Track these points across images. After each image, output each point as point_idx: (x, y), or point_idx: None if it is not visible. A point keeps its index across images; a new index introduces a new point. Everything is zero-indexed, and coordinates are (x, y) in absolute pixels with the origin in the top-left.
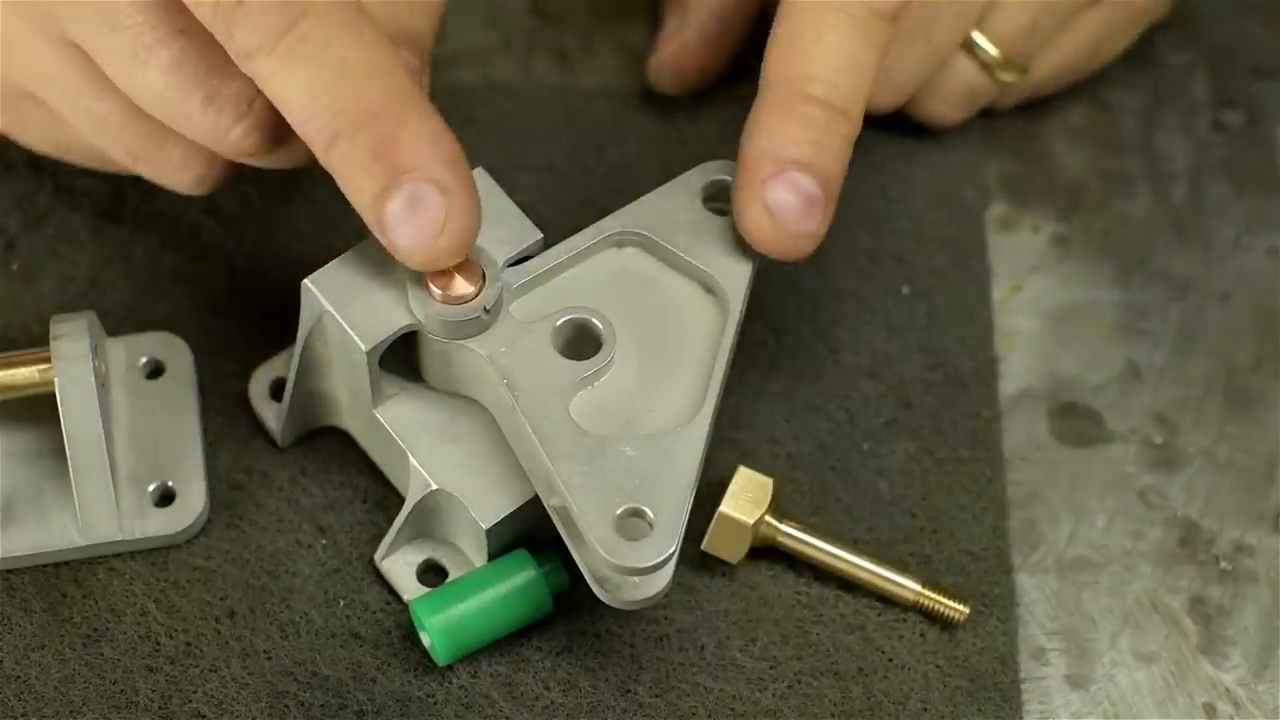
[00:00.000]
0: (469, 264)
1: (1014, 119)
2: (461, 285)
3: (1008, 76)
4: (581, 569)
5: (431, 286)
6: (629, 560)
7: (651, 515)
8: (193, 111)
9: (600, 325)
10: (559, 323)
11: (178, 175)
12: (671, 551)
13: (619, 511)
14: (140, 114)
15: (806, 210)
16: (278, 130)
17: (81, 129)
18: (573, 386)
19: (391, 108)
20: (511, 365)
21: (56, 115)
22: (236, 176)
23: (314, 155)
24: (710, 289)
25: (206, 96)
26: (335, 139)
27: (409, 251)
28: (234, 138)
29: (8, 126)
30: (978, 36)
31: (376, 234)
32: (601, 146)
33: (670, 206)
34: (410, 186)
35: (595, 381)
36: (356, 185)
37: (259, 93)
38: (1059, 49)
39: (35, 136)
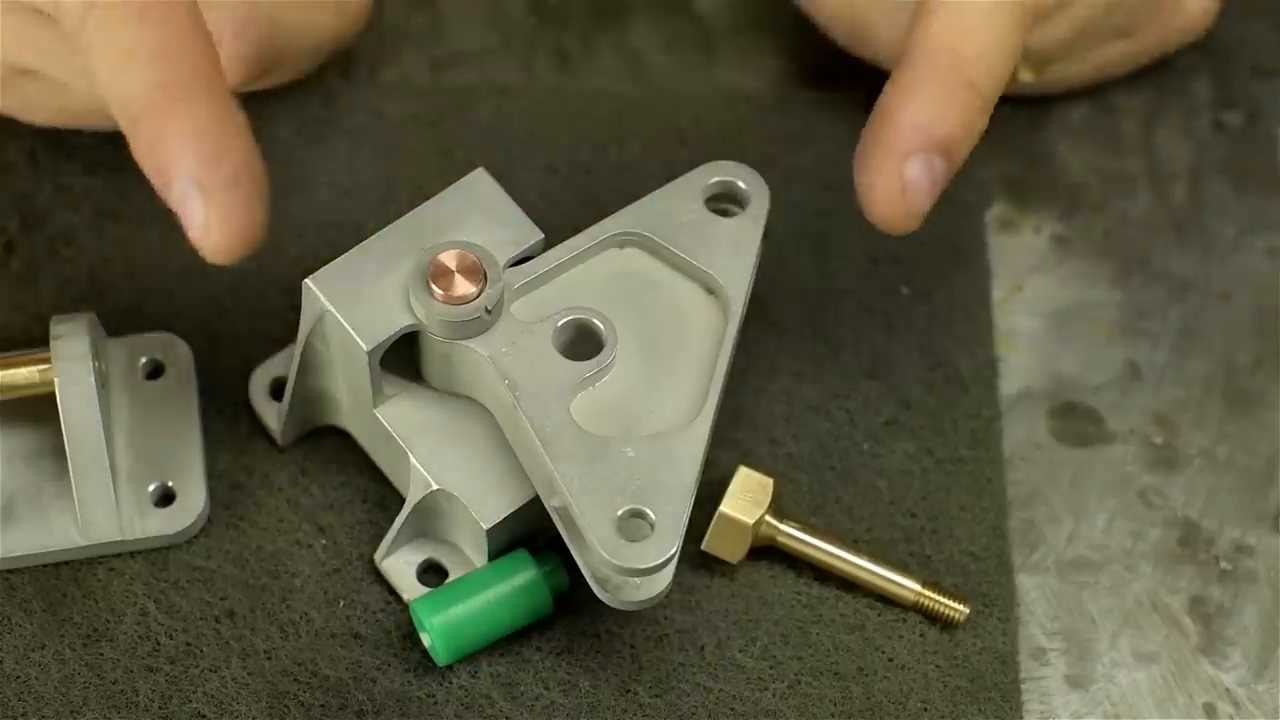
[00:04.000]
0: (470, 264)
1: (1015, 119)
2: (463, 285)
3: (1026, 76)
4: (582, 569)
5: (433, 286)
6: (630, 561)
7: (652, 516)
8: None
9: (601, 326)
10: (560, 323)
11: None
12: (673, 552)
13: (620, 512)
14: None
15: (931, 192)
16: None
17: (85, 91)
18: (574, 387)
19: (161, 100)
20: (512, 365)
21: (59, 85)
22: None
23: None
24: (711, 290)
25: None
26: (128, 129)
27: (196, 246)
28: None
29: (9, 107)
30: None
31: None
32: (601, 146)
33: (672, 207)
34: (178, 184)
35: (596, 382)
36: (149, 177)
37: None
38: (1081, 65)
39: (40, 112)
